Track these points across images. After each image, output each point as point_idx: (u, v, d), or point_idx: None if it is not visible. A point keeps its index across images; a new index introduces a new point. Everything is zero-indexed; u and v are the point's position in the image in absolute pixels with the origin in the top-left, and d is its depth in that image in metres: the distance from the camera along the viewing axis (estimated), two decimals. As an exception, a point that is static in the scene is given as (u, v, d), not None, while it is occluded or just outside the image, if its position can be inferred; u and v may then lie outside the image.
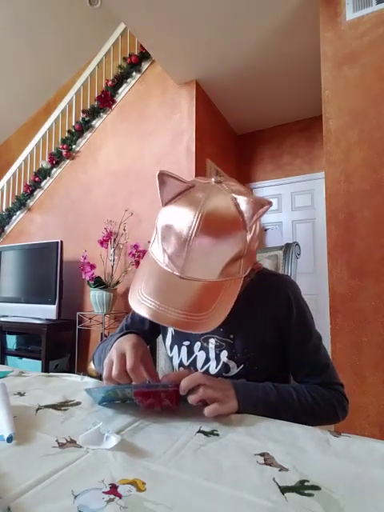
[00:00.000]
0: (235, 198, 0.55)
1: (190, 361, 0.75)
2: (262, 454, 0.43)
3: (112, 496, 0.33)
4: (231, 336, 0.70)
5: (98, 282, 2.72)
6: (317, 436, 0.48)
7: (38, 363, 2.78)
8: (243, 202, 0.54)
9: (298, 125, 3.49)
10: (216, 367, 0.71)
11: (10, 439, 0.43)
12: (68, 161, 3.45)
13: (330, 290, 1.77)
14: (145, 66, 3.08)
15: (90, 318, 2.87)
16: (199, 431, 0.49)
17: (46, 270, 2.92)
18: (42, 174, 3.53)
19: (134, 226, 2.91)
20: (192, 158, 2.77)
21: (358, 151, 1.76)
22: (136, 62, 3.05)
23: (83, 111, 3.31)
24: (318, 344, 0.70)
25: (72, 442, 0.45)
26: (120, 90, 3.19)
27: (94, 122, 3.32)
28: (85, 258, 2.82)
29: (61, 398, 0.62)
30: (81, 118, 3.33)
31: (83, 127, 3.32)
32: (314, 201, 3.33)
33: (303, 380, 0.69)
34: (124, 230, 2.91)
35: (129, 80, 3.15)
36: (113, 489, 0.34)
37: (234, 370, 0.70)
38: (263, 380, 0.63)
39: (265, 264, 0.94)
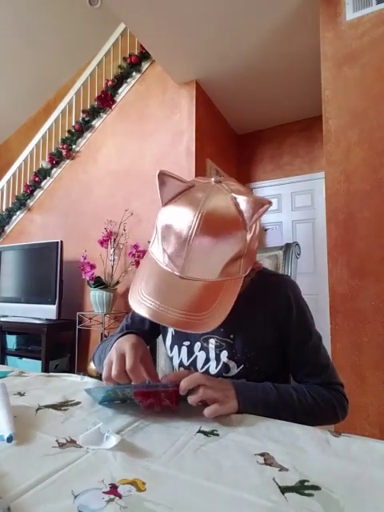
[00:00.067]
0: (235, 198, 0.55)
1: (190, 361, 0.75)
2: (262, 454, 0.43)
3: (112, 496, 0.33)
4: (231, 336, 0.70)
5: (98, 282, 2.72)
6: (317, 436, 0.48)
7: (38, 363, 2.78)
8: (243, 202, 0.54)
9: (297, 125, 3.49)
10: (216, 367, 0.71)
11: (9, 439, 0.43)
12: (68, 161, 3.45)
13: (330, 290, 1.77)
14: (145, 66, 3.08)
15: (90, 318, 2.87)
16: (199, 431, 0.49)
17: (46, 270, 2.92)
18: (42, 174, 3.53)
19: (134, 226, 2.91)
20: (192, 158, 2.77)
21: (357, 151, 1.76)
22: (136, 62, 3.05)
23: (83, 111, 3.31)
24: (318, 344, 0.70)
25: (72, 441, 0.45)
26: (120, 90, 3.19)
27: (94, 122, 3.32)
28: (85, 258, 2.82)
29: (61, 397, 0.62)
30: (81, 118, 3.33)
31: (83, 127, 3.32)
32: (314, 201, 3.33)
33: (303, 380, 0.69)
34: (124, 230, 2.91)
35: (129, 80, 3.15)
36: (113, 489, 0.34)
37: (234, 370, 0.70)
38: (263, 380, 0.63)
39: (265, 264, 0.94)
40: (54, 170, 3.51)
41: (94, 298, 2.71)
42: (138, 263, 2.72)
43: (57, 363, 2.90)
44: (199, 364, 0.74)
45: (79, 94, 3.46)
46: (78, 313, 2.88)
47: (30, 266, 3.10)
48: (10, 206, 3.73)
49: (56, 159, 3.45)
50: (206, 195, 0.55)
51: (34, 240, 3.36)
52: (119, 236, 2.95)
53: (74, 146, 3.40)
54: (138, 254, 2.74)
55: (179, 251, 0.54)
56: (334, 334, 1.72)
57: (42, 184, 3.57)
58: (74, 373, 2.27)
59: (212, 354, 0.72)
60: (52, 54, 4.06)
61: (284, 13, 2.18)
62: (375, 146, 1.72)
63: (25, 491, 0.34)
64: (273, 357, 0.72)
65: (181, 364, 0.77)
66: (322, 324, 1.58)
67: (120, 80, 3.15)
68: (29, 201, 3.65)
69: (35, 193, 3.62)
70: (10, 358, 3.05)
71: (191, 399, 0.53)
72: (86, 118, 3.30)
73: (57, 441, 0.45)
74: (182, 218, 0.54)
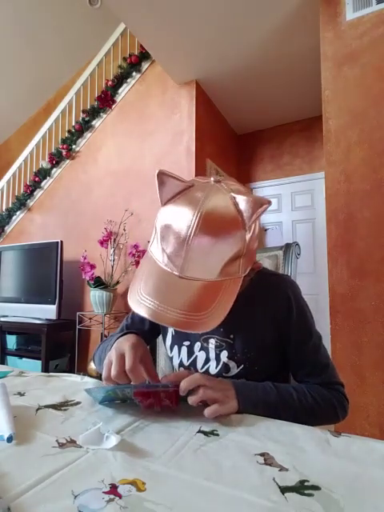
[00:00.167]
0: (234, 198, 0.55)
1: (190, 361, 0.75)
2: (262, 454, 0.43)
3: (112, 496, 0.33)
4: (231, 336, 0.70)
5: (98, 282, 2.72)
6: (317, 436, 0.48)
7: (38, 363, 2.78)
8: (242, 202, 0.54)
9: (297, 125, 3.49)
10: (216, 367, 0.71)
11: (9, 439, 0.43)
12: (68, 161, 3.45)
13: (330, 290, 1.77)
14: (145, 66, 3.08)
15: (90, 318, 2.87)
16: (199, 431, 0.49)
17: (46, 270, 2.92)
18: (42, 173, 3.53)
19: (134, 226, 2.91)
20: (192, 158, 2.77)
21: (357, 151, 1.76)
22: (136, 62, 3.05)
23: (83, 111, 3.31)
24: (318, 344, 0.70)
25: (72, 441, 0.45)
26: (120, 90, 3.19)
27: (94, 122, 3.32)
28: (85, 258, 2.82)
29: (61, 397, 0.62)
30: (81, 118, 3.33)
31: (83, 127, 3.32)
32: (314, 201, 3.33)
33: (303, 380, 0.69)
34: (124, 230, 2.91)
35: (129, 80, 3.15)
36: (113, 489, 0.34)
37: (234, 370, 0.70)
38: (263, 380, 0.63)
39: (265, 264, 0.94)
40: (54, 170, 3.51)
41: (94, 298, 2.71)
42: (137, 263, 2.72)
43: (57, 363, 2.90)
44: (199, 364, 0.74)
45: (79, 94, 3.46)
46: (77, 313, 2.88)
47: (30, 265, 3.10)
48: (10, 206, 3.73)
49: (56, 159, 3.45)
50: (205, 195, 0.55)
51: (33, 240, 3.36)
52: (119, 236, 2.95)
53: (73, 146, 3.40)
54: (138, 254, 2.74)
55: (178, 251, 0.53)
56: (334, 334, 1.72)
57: (42, 184, 3.57)
58: (73, 373, 2.27)
59: (212, 354, 0.72)
60: (52, 53, 4.06)
61: (284, 13, 2.19)
62: (375, 146, 1.72)
63: (25, 491, 0.34)
64: (273, 357, 0.72)
65: (181, 364, 0.77)
66: (322, 324, 1.58)
67: (120, 80, 3.15)
68: (29, 201, 3.65)
69: (35, 193, 3.62)
70: (9, 358, 3.05)
71: (191, 399, 0.53)
72: (86, 118, 3.30)
73: (57, 441, 0.45)
74: (181, 217, 0.54)
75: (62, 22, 3.76)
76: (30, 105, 4.63)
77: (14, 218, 3.75)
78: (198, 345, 0.74)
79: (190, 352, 0.75)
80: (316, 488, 0.36)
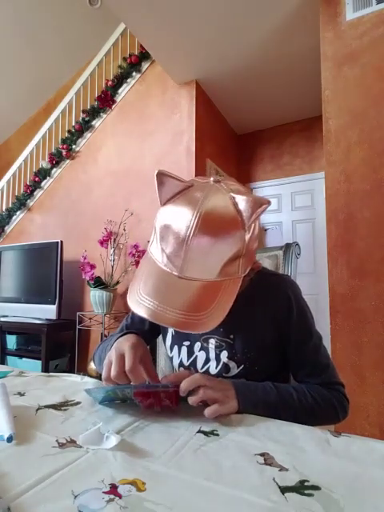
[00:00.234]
0: (234, 198, 0.55)
1: (190, 361, 0.75)
2: (262, 454, 0.43)
3: (112, 496, 0.33)
4: (231, 336, 0.70)
5: (98, 282, 2.72)
6: (317, 436, 0.48)
7: (38, 363, 2.78)
8: (242, 202, 0.54)
9: (298, 125, 3.49)
10: (216, 367, 0.71)
11: (9, 439, 0.43)
12: (68, 161, 3.45)
13: (330, 290, 1.77)
14: (145, 66, 3.08)
15: (90, 318, 2.87)
16: (199, 431, 0.49)
17: (46, 270, 2.92)
18: (42, 173, 3.53)
19: (134, 226, 2.91)
20: (192, 158, 2.78)
21: (357, 151, 1.76)
22: (136, 62, 3.05)
23: (83, 111, 3.31)
24: (319, 344, 0.70)
25: (72, 441, 0.45)
26: (120, 90, 3.19)
27: (94, 122, 3.32)
28: (85, 258, 2.82)
29: (61, 397, 0.62)
30: (81, 118, 3.33)
31: (83, 127, 3.32)
32: (314, 201, 3.33)
33: (303, 380, 0.69)
34: (124, 230, 2.91)
35: (129, 80, 3.15)
36: (113, 489, 0.34)
37: (234, 370, 0.70)
38: (263, 380, 0.63)
39: (265, 264, 0.94)
40: (54, 170, 3.51)
41: (94, 298, 2.71)
42: (137, 263, 2.72)
43: (57, 363, 2.90)
44: (199, 364, 0.74)
45: (79, 94, 3.46)
46: (78, 313, 2.88)
47: (30, 265, 3.10)
48: (10, 206, 3.73)
49: (56, 159, 3.45)
50: (204, 195, 0.55)
51: (34, 240, 3.36)
52: (119, 236, 2.95)
53: (74, 146, 3.40)
54: (138, 254, 2.74)
55: (178, 251, 0.53)
56: (334, 334, 1.72)
57: (42, 184, 3.57)
58: (74, 373, 2.27)
59: (212, 354, 0.72)
60: (52, 53, 4.06)
61: (284, 13, 2.19)
62: (375, 146, 1.72)
63: (25, 491, 0.34)
64: (273, 357, 0.72)
65: (181, 364, 0.77)
66: (322, 324, 1.58)
67: (120, 80, 3.15)
68: (29, 201, 3.65)
69: (35, 193, 3.62)
70: (9, 358, 3.05)
71: (191, 400, 0.53)
72: (86, 118, 3.30)
73: (57, 441, 0.45)
74: (180, 217, 0.54)
75: (62, 21, 3.76)
76: (30, 105, 4.63)
77: (14, 218, 3.75)
78: (198, 345, 0.74)
79: (190, 352, 0.75)
80: (316, 488, 0.36)
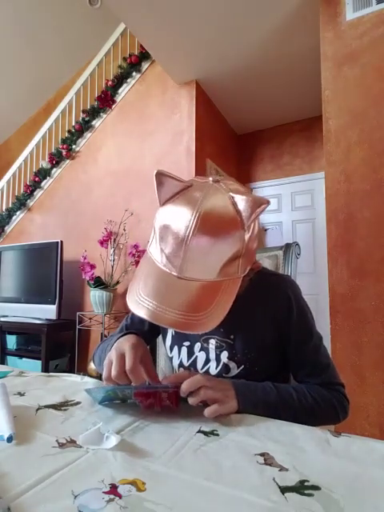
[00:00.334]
0: (233, 197, 0.55)
1: (190, 361, 0.75)
2: (262, 454, 0.43)
3: (112, 496, 0.33)
4: (231, 336, 0.70)
5: (98, 282, 2.72)
6: (317, 436, 0.48)
7: (38, 363, 2.78)
8: (241, 201, 0.54)
9: (298, 125, 3.49)
10: (216, 368, 0.71)
11: (9, 439, 0.43)
12: (68, 161, 3.45)
13: (330, 290, 1.77)
14: (145, 66, 3.08)
15: (90, 318, 2.87)
16: (199, 431, 0.49)
17: (46, 270, 2.92)
18: (42, 173, 3.53)
19: (134, 226, 2.91)
20: (192, 158, 2.77)
21: (357, 151, 1.76)
22: (136, 62, 3.05)
23: (83, 111, 3.31)
24: (319, 344, 0.70)
25: (72, 441, 0.45)
26: (120, 90, 3.19)
27: (94, 122, 3.32)
28: (85, 258, 2.82)
29: (61, 397, 0.62)
30: (81, 118, 3.33)
31: (83, 127, 3.32)
32: (314, 201, 3.33)
33: (303, 380, 0.69)
34: (124, 230, 2.91)
35: (129, 80, 3.15)
36: (113, 489, 0.34)
37: (235, 370, 0.69)
38: (263, 380, 0.63)
39: (265, 264, 0.94)
40: (54, 170, 3.51)
41: (94, 298, 2.71)
42: (137, 263, 2.72)
43: (57, 363, 2.90)
44: (199, 365, 0.74)
45: (79, 94, 3.46)
46: (78, 313, 2.88)
47: (30, 265, 3.10)
48: (10, 206, 3.73)
49: (56, 159, 3.45)
50: (203, 194, 0.55)
51: (34, 240, 3.36)
52: (119, 236, 2.95)
53: (74, 146, 3.40)
54: (138, 254, 2.74)
55: (177, 251, 0.53)
56: (334, 334, 1.72)
57: (42, 184, 3.57)
58: (73, 373, 2.27)
59: (212, 355, 0.72)
60: (52, 53, 4.06)
61: (284, 13, 2.18)
62: (375, 146, 1.72)
63: (25, 491, 0.34)
64: (273, 357, 0.72)
65: (181, 364, 0.77)
66: (322, 324, 1.58)
67: (120, 80, 3.15)
68: (29, 201, 3.64)
69: (35, 193, 3.62)
70: (10, 358, 3.05)
71: (192, 400, 0.53)
72: (86, 118, 3.30)
73: (57, 441, 0.45)
74: (179, 217, 0.54)
75: (62, 21, 3.75)
76: (30, 105, 4.63)
77: (14, 218, 3.75)
78: (198, 345, 0.74)
79: (190, 353, 0.75)
80: (316, 488, 0.36)
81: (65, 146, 3.40)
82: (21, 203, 3.64)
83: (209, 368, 0.72)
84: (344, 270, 1.73)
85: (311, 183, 3.34)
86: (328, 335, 1.71)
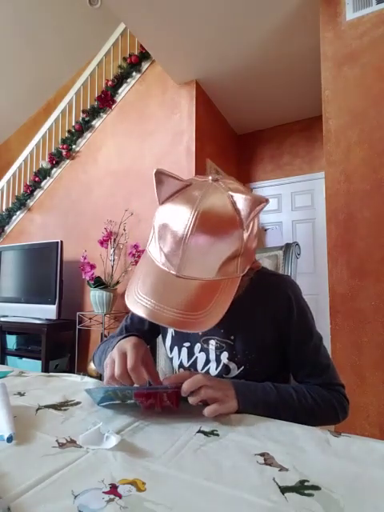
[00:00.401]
0: (232, 196, 0.55)
1: (190, 362, 0.75)
2: (262, 454, 0.43)
3: (112, 496, 0.33)
4: (232, 337, 0.70)
5: (98, 282, 2.72)
6: (317, 436, 0.48)
7: (38, 363, 2.78)
8: (240, 200, 0.54)
9: (298, 125, 3.49)
10: (216, 369, 0.71)
11: (9, 439, 0.43)
12: (68, 161, 3.45)
13: (330, 290, 1.76)
14: (145, 66, 3.08)
15: (90, 318, 2.87)
16: (199, 431, 0.49)
17: (46, 270, 2.92)
18: (42, 173, 3.53)
19: (134, 226, 2.91)
20: (192, 158, 2.78)
21: (357, 151, 1.76)
22: (136, 62, 3.05)
23: (83, 111, 3.31)
24: (319, 344, 0.70)
25: (72, 441, 0.45)
26: (120, 90, 3.19)
27: (94, 122, 3.32)
28: (85, 258, 2.82)
29: (61, 397, 0.62)
30: (81, 118, 3.33)
31: (83, 127, 3.32)
32: (314, 201, 3.33)
33: (304, 380, 0.69)
34: (124, 230, 2.91)
35: (129, 80, 3.15)
36: (113, 489, 0.34)
37: (235, 371, 0.69)
38: (263, 380, 0.63)
39: (265, 264, 0.94)
40: (54, 170, 3.51)
41: (94, 297, 2.71)
42: (137, 263, 2.72)
43: (57, 363, 2.90)
44: (199, 365, 0.73)
45: (79, 94, 3.46)
46: (78, 313, 2.88)
47: (30, 265, 3.10)
48: (10, 206, 3.73)
49: (56, 159, 3.45)
50: (202, 193, 0.55)
51: (34, 240, 3.35)
52: (119, 236, 2.95)
53: (74, 146, 3.40)
54: (138, 254, 2.74)
55: (175, 250, 0.53)
56: (334, 334, 1.72)
57: (42, 184, 3.57)
58: (73, 373, 2.27)
59: (212, 356, 0.72)
60: (52, 53, 4.06)
61: (284, 13, 2.18)
62: (375, 146, 1.72)
63: (25, 491, 0.34)
64: (273, 357, 0.72)
65: (181, 365, 0.77)
66: (322, 324, 1.58)
67: (120, 80, 3.15)
68: (29, 201, 3.64)
69: (35, 193, 3.62)
70: (9, 358, 3.05)
71: (192, 399, 0.53)
72: (86, 118, 3.30)
73: (57, 441, 0.45)
74: (178, 216, 0.54)
75: (62, 21, 3.75)
76: (30, 105, 4.63)
77: (14, 218, 3.75)
78: (198, 346, 0.74)
79: (190, 353, 0.75)
80: (316, 488, 0.36)
81: (65, 146, 3.40)
82: (21, 203, 3.64)
83: (209, 369, 0.72)
84: (344, 270, 1.73)
85: (311, 183, 3.34)
86: (328, 335, 1.71)
